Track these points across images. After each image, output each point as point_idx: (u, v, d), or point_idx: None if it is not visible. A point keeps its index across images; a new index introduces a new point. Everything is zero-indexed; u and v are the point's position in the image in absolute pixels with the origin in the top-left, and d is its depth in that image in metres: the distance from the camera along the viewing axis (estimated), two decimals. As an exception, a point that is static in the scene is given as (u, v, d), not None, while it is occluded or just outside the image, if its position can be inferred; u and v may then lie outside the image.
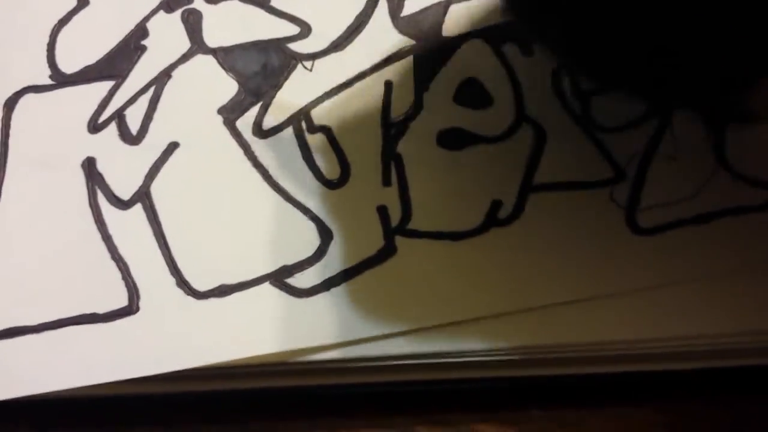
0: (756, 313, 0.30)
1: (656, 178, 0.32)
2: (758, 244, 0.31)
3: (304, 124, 0.35)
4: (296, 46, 0.36)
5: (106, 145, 0.35)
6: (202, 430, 0.32)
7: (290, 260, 0.32)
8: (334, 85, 0.35)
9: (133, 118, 0.36)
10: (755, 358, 0.30)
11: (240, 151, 0.35)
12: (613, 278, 0.31)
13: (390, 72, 0.35)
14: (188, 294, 0.32)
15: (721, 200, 0.31)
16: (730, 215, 0.31)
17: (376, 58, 0.35)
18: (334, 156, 0.34)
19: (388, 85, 0.35)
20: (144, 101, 0.36)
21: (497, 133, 0.34)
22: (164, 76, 0.36)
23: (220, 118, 0.35)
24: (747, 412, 0.30)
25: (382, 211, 0.33)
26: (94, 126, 0.36)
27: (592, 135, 0.33)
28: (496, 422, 0.31)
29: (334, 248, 0.32)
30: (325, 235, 0.32)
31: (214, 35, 0.36)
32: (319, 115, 0.35)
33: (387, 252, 0.32)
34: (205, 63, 0.37)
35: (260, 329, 0.31)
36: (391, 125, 0.35)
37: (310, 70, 0.36)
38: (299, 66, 0.36)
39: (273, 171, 0.34)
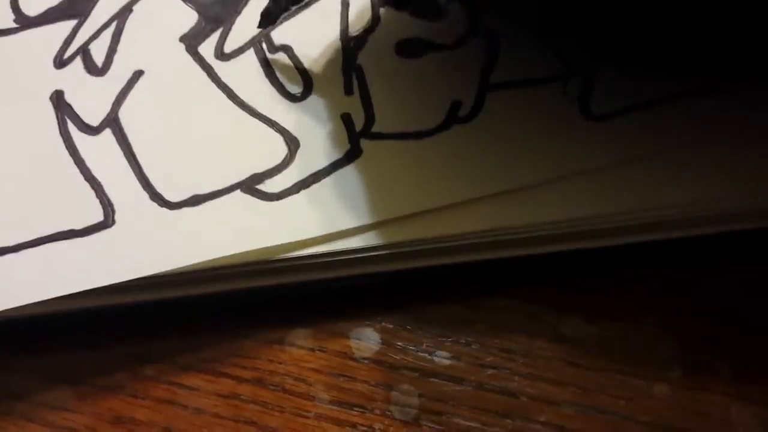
0: (699, 185, 0.32)
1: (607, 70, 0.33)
2: (701, 124, 0.32)
3: (265, 45, 0.36)
4: (254, -27, 0.37)
5: (73, 79, 0.36)
6: (184, 333, 0.32)
7: (260, 169, 0.33)
8: (291, 10, 0.36)
9: (98, 52, 0.37)
10: (704, 227, 0.32)
11: (203, 74, 0.36)
12: (569, 161, 0.32)
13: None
14: (162, 206, 0.32)
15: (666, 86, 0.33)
16: (675, 99, 0.33)
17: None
18: (296, 73, 0.36)
19: (345, 2, 0.36)
20: (107, 35, 0.37)
21: (454, 41, 0.35)
22: (125, 10, 0.38)
23: (182, 46, 0.37)
24: (692, 281, 0.32)
25: (346, 118, 0.34)
26: (60, 62, 0.37)
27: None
28: (464, 306, 0.32)
29: (302, 155, 0.33)
30: (293, 143, 0.34)
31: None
32: (279, 35, 0.36)
33: (353, 154, 0.33)
34: (165, -4, 0.37)
35: (234, 231, 0.31)
36: (350, 39, 0.36)
37: (268, -5, 0.37)
38: (258, -9, 0.37)
39: (238, 90, 0.35)
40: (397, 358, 0.31)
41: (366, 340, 0.32)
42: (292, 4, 0.35)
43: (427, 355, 0.31)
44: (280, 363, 0.32)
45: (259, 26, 0.35)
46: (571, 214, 0.31)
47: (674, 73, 0.32)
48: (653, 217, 0.32)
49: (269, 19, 0.35)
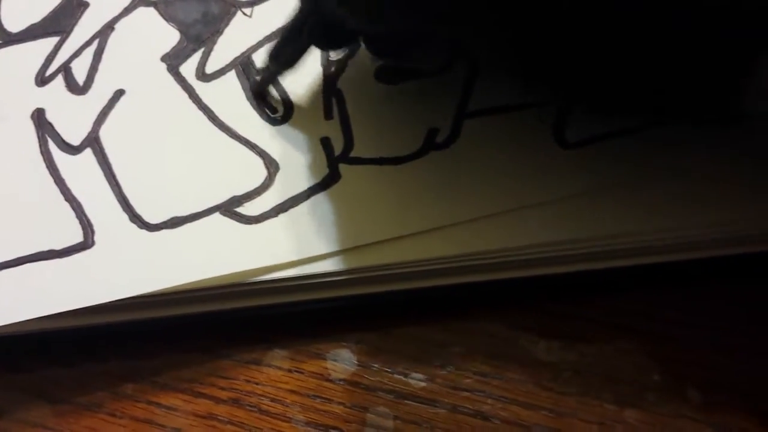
0: (673, 212, 0.32)
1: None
2: (675, 153, 0.33)
3: (246, 68, 0.36)
4: (235, -6, 0.38)
5: (54, 97, 0.36)
6: (163, 353, 0.33)
7: (239, 191, 0.33)
8: (273, 29, 0.37)
9: (79, 70, 0.37)
10: (671, 254, 0.32)
11: (185, 95, 0.36)
12: (545, 188, 0.32)
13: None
14: (141, 227, 0.33)
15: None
16: (649, 127, 0.33)
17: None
18: (276, 95, 0.36)
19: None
20: (89, 54, 0.38)
21: (432, 68, 0.36)
22: (107, 29, 0.38)
23: (163, 66, 0.37)
24: (666, 307, 0.33)
25: (326, 142, 0.34)
26: (42, 79, 0.37)
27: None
28: (440, 329, 0.32)
29: (281, 178, 0.34)
30: (272, 167, 0.34)
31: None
32: (260, 58, 0.37)
33: (332, 178, 0.34)
34: (147, 15, 0.38)
35: (212, 254, 0.32)
36: (330, 64, 0.36)
37: (250, 17, 0.37)
38: (239, 13, 0.37)
39: (218, 112, 0.36)
40: (373, 379, 0.32)
41: (342, 361, 0.32)
42: (279, 74, 0.35)
43: (402, 377, 0.32)
44: (257, 383, 0.32)
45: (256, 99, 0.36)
46: (546, 239, 0.32)
47: (638, 113, 0.33)
48: (627, 243, 0.32)
49: (261, 95, 0.36)
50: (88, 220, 0.33)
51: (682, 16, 0.25)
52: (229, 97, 0.36)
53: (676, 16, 0.24)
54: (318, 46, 0.33)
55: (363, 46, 0.33)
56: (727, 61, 0.26)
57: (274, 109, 0.35)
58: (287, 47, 0.33)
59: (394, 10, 0.28)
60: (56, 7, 0.38)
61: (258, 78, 0.35)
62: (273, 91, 0.36)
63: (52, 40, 0.38)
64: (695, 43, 0.25)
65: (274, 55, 0.34)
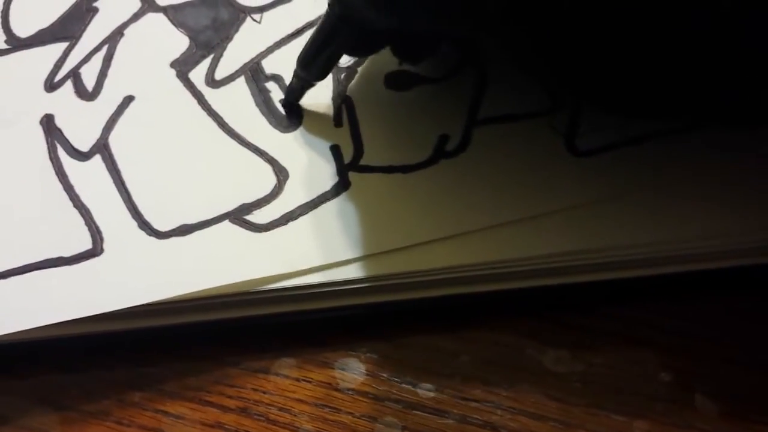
0: (685, 222, 0.32)
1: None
2: (683, 162, 0.33)
3: (255, 74, 0.36)
4: (245, 0, 0.37)
5: (64, 102, 0.36)
6: (171, 361, 0.33)
7: (248, 199, 0.33)
8: (283, 35, 0.37)
9: (89, 76, 0.37)
10: (681, 264, 0.32)
11: (194, 101, 0.36)
12: (556, 196, 0.32)
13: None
14: (150, 234, 0.33)
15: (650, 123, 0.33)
16: (661, 136, 0.33)
17: (323, 8, 0.36)
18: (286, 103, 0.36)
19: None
20: (98, 59, 0.37)
21: (442, 74, 0.36)
22: (117, 34, 0.38)
23: (173, 72, 0.37)
24: (677, 317, 0.32)
25: (335, 150, 0.34)
26: (51, 85, 0.37)
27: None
28: (448, 339, 0.32)
29: (291, 186, 0.34)
30: (282, 174, 0.34)
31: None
32: (270, 65, 0.37)
33: (341, 186, 0.33)
34: (157, 20, 0.38)
35: (221, 262, 0.32)
36: (340, 71, 0.36)
37: (259, 23, 0.37)
38: (248, 19, 0.37)
39: (228, 118, 0.36)
40: (382, 389, 0.32)
41: (351, 370, 0.32)
42: (312, 84, 0.35)
43: (411, 386, 0.32)
44: (264, 392, 0.32)
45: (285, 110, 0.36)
46: (557, 249, 0.32)
47: (652, 117, 0.32)
48: (639, 254, 0.32)
49: (291, 106, 0.36)
50: (97, 227, 0.33)
51: (700, 15, 0.24)
52: (239, 103, 0.36)
53: (695, 16, 0.24)
54: (348, 53, 0.33)
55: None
56: (753, 60, 0.25)
57: (301, 118, 0.35)
58: (318, 56, 0.33)
59: (419, 8, 0.27)
60: (65, 12, 0.38)
61: (289, 87, 0.35)
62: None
63: (61, 46, 0.38)
64: (719, 40, 0.25)
65: (304, 64, 0.34)
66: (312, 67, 0.33)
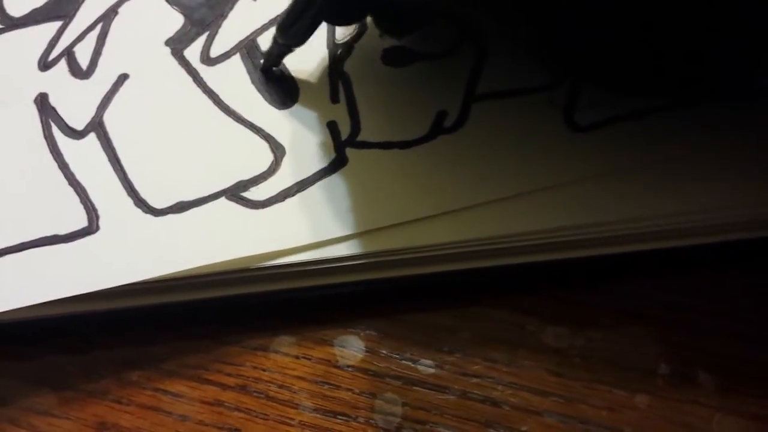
0: (683, 196, 0.32)
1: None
2: (682, 137, 0.32)
3: (251, 51, 0.36)
4: (240, -24, 0.37)
5: (58, 81, 0.36)
6: (169, 339, 0.33)
7: (245, 176, 0.33)
8: (278, 12, 0.36)
9: (83, 54, 0.37)
10: (681, 239, 0.32)
11: (189, 79, 0.36)
12: (554, 171, 0.32)
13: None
14: (146, 212, 0.32)
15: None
16: (658, 112, 0.33)
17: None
18: (282, 79, 0.35)
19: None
20: (92, 38, 0.37)
21: (440, 50, 0.35)
22: (111, 12, 0.37)
23: (168, 49, 0.36)
24: (676, 292, 0.32)
25: (332, 126, 0.34)
26: (45, 64, 0.37)
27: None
28: (448, 315, 0.32)
29: (287, 163, 0.33)
30: (278, 151, 0.34)
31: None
32: (265, 42, 0.36)
33: (338, 163, 0.33)
34: (151, -2, 0.37)
35: (218, 239, 0.31)
36: (336, 47, 0.36)
37: (254, 0, 0.37)
38: (244, -5, 0.37)
39: (223, 96, 0.35)
40: (381, 366, 0.31)
41: (350, 347, 0.32)
42: (290, 50, 0.35)
43: (411, 363, 0.32)
44: (264, 370, 0.32)
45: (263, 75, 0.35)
46: (556, 224, 0.31)
47: (648, 95, 0.32)
48: (638, 228, 0.32)
49: (269, 71, 0.35)
50: (93, 205, 0.32)
51: None
52: (234, 80, 0.35)
53: None
54: (328, 20, 0.33)
55: (372, 25, 0.33)
56: (749, 35, 0.25)
57: (280, 88, 0.34)
58: (298, 21, 0.33)
59: None
60: (59, -10, 0.38)
61: (266, 53, 0.34)
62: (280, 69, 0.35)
63: (55, 25, 0.38)
64: (716, 15, 0.25)
65: (283, 29, 0.33)
66: (291, 32, 0.33)
